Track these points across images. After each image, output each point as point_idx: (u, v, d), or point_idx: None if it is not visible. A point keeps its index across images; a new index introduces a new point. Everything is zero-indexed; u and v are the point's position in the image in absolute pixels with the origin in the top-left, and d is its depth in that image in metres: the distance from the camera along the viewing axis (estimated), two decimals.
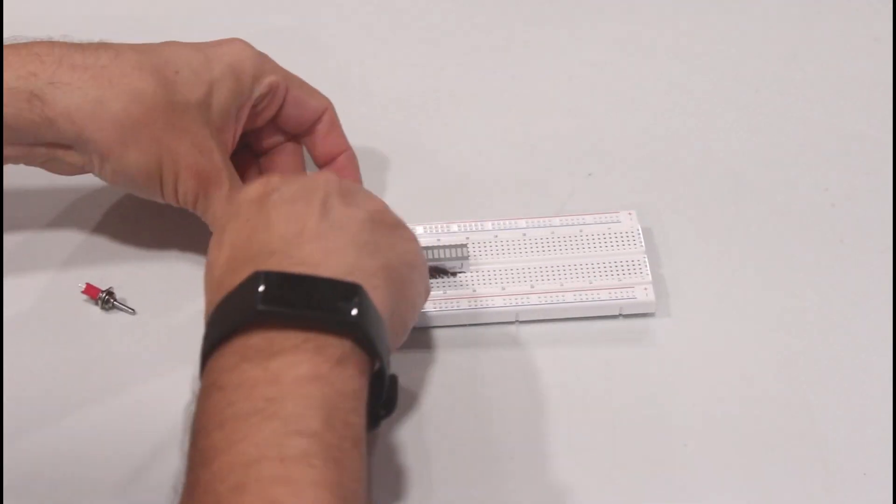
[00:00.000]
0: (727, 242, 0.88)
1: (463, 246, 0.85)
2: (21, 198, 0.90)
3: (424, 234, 0.86)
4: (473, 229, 0.86)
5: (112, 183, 0.82)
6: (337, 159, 0.88)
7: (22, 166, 0.83)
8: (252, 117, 0.85)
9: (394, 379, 0.72)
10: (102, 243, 0.88)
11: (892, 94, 0.95)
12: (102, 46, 0.80)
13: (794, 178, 0.91)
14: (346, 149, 0.89)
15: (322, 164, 0.89)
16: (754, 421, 0.80)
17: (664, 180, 0.91)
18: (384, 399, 0.72)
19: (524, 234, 0.86)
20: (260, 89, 0.84)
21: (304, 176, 0.75)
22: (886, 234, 0.88)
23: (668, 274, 0.86)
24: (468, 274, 0.84)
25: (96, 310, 0.84)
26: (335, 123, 0.88)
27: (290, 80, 0.85)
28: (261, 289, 0.67)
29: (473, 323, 0.83)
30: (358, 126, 0.92)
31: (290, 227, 0.71)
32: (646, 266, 0.84)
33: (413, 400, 0.80)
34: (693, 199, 0.90)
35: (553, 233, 0.86)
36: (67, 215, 0.89)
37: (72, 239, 0.88)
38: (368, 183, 0.91)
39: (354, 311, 0.68)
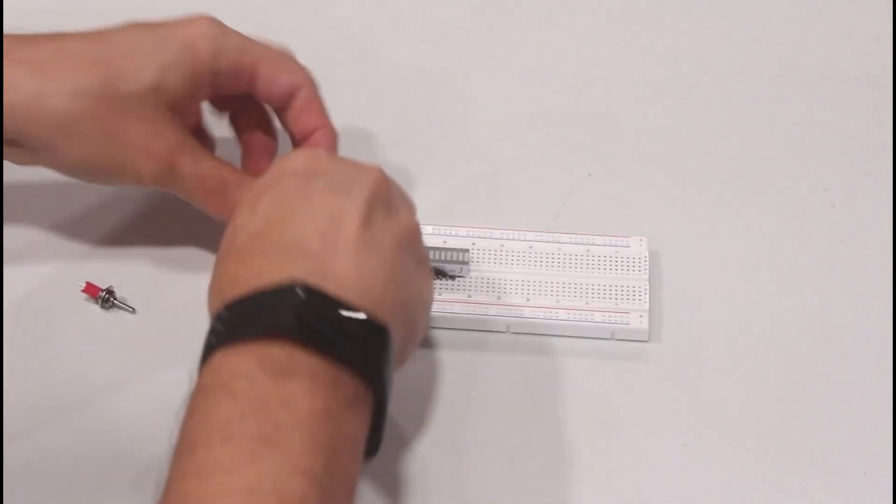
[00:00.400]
0: (726, 240, 0.88)
1: (465, 251, 0.84)
2: (21, 196, 0.90)
3: (433, 234, 0.86)
4: (480, 235, 0.86)
5: (70, 175, 0.81)
6: (313, 136, 0.84)
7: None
8: (217, 90, 0.83)
9: (384, 422, 0.70)
10: (102, 242, 0.87)
11: (892, 94, 0.95)
12: (49, 38, 0.79)
13: (794, 178, 0.91)
14: (323, 126, 0.84)
15: (297, 142, 0.85)
16: (754, 421, 0.80)
17: (663, 180, 0.91)
18: (370, 442, 0.69)
19: (531, 247, 0.85)
20: (219, 68, 0.81)
21: (355, 165, 0.73)
22: (886, 234, 0.88)
23: (667, 276, 0.86)
24: (468, 279, 0.84)
25: (96, 309, 0.84)
26: (312, 99, 0.84)
27: (261, 55, 0.82)
28: (296, 303, 0.66)
29: (465, 328, 0.83)
30: (360, 128, 0.92)
31: (330, 225, 0.69)
32: (646, 294, 0.83)
33: (410, 398, 0.81)
34: (691, 199, 0.90)
35: (560, 249, 0.85)
36: (68, 214, 0.89)
37: (72, 237, 0.88)
38: None
39: (379, 357, 0.67)
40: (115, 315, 0.84)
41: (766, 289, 0.85)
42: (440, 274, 0.84)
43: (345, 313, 0.66)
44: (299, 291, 0.66)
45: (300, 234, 0.69)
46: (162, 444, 0.76)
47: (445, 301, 0.83)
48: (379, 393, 0.67)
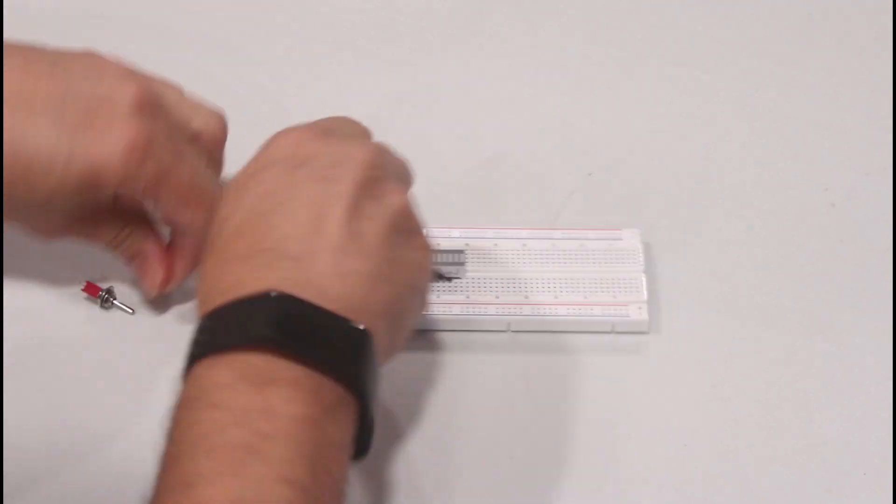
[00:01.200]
0: (725, 240, 0.88)
1: (460, 252, 0.85)
2: None
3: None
4: (474, 236, 0.86)
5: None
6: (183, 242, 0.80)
7: None
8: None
9: (371, 424, 0.69)
10: None
11: (892, 94, 0.95)
12: None
13: (794, 178, 0.91)
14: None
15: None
16: (753, 421, 0.80)
17: (663, 180, 0.91)
18: (359, 443, 0.68)
19: (524, 245, 0.86)
20: (120, 197, 0.76)
21: (342, 146, 0.71)
22: (886, 234, 0.88)
23: (666, 276, 0.86)
24: (464, 280, 0.84)
25: (96, 308, 0.84)
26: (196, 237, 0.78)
27: (167, 186, 0.75)
28: (274, 312, 0.65)
29: (465, 329, 0.83)
30: None
31: (314, 221, 0.68)
32: (643, 285, 0.83)
33: (401, 400, 0.80)
34: (692, 199, 0.90)
35: (553, 245, 0.85)
36: None
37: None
38: None
39: (360, 362, 0.66)
40: (115, 315, 0.84)
41: (765, 289, 0.85)
42: (437, 276, 0.84)
43: (323, 320, 0.66)
44: (277, 300, 0.65)
45: (282, 233, 0.68)
46: (160, 444, 0.76)
47: (444, 303, 0.83)
48: (361, 397, 0.66)
